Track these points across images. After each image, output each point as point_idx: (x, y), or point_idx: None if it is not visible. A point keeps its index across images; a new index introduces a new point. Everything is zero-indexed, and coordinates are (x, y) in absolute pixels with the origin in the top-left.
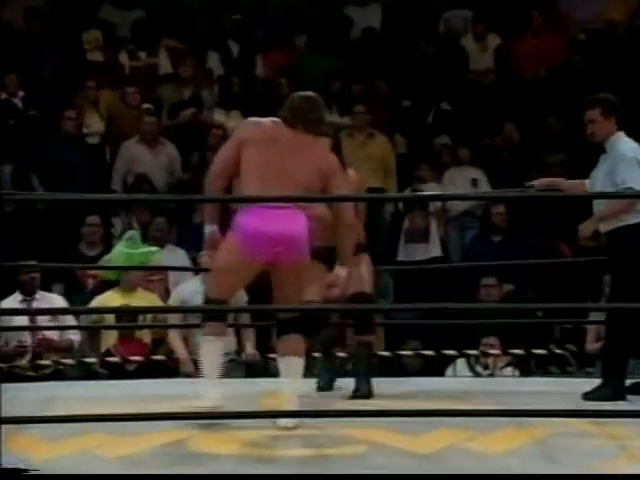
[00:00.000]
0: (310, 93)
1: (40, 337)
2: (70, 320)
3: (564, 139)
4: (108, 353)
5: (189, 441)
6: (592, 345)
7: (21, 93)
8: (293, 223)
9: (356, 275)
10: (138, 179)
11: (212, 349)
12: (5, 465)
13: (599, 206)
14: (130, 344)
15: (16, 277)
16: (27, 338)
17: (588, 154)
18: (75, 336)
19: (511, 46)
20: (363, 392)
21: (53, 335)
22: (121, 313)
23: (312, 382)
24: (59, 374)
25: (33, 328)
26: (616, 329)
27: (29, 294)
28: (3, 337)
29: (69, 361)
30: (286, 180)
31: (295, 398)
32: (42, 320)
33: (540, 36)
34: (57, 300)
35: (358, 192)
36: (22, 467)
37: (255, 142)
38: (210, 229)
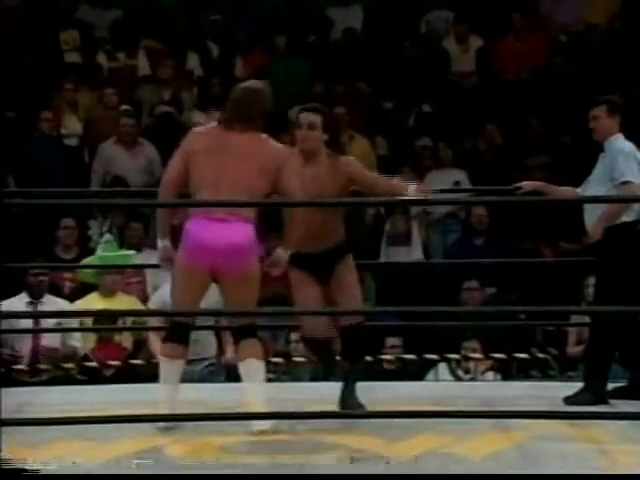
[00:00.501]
0: (253, 83)
1: (41, 347)
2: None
3: (546, 141)
4: (86, 358)
5: (166, 448)
6: (573, 348)
7: None
8: (234, 234)
9: (347, 298)
10: (114, 182)
11: (167, 370)
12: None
13: (592, 207)
14: (108, 348)
15: (23, 279)
16: (26, 343)
17: (570, 157)
18: (77, 342)
19: (493, 48)
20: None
21: (54, 343)
22: (102, 315)
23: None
24: (58, 379)
25: (20, 331)
26: (600, 332)
27: (36, 297)
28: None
29: (45, 366)
30: (232, 187)
31: (260, 401)
32: (47, 324)
33: (522, 38)
34: (64, 305)
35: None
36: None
37: (200, 152)
38: (162, 244)
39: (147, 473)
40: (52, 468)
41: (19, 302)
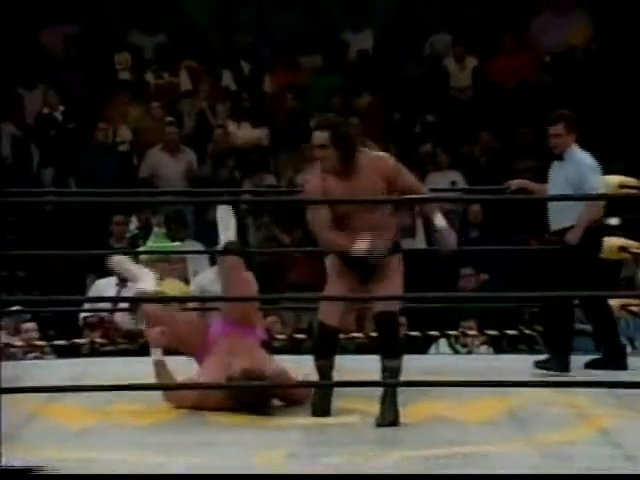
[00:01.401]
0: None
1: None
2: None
3: (533, 147)
4: (141, 334)
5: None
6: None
7: (61, 108)
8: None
9: (383, 288)
10: (143, 182)
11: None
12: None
13: (558, 210)
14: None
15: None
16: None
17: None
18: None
19: (487, 66)
20: (390, 419)
21: (127, 324)
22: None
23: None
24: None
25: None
26: (556, 312)
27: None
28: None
29: (102, 340)
30: None
31: None
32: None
33: (512, 57)
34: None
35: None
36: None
37: None
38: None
39: (154, 473)
40: (102, 429)
41: (109, 282)
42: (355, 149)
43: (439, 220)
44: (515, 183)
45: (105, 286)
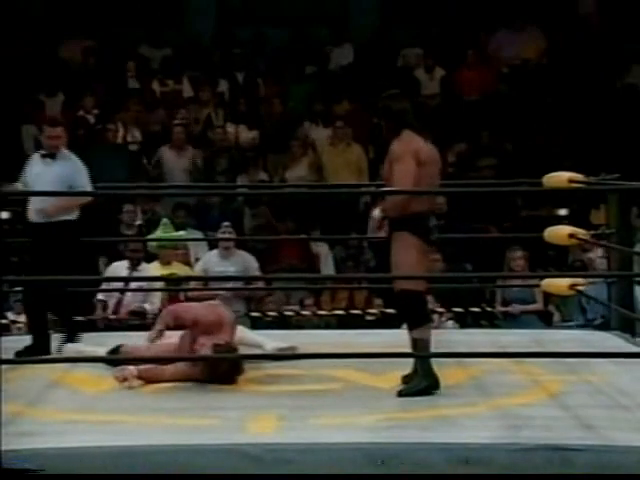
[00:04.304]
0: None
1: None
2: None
3: (492, 147)
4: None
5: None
6: (499, 305)
7: (95, 111)
8: None
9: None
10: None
11: None
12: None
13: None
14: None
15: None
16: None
17: (511, 159)
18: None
19: (453, 77)
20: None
21: (133, 303)
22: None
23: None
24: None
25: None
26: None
27: (135, 265)
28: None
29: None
30: None
31: None
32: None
33: (474, 69)
34: (156, 272)
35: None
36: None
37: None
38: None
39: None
40: (113, 395)
41: (122, 266)
42: (395, 124)
43: (376, 212)
44: None
45: (118, 268)
